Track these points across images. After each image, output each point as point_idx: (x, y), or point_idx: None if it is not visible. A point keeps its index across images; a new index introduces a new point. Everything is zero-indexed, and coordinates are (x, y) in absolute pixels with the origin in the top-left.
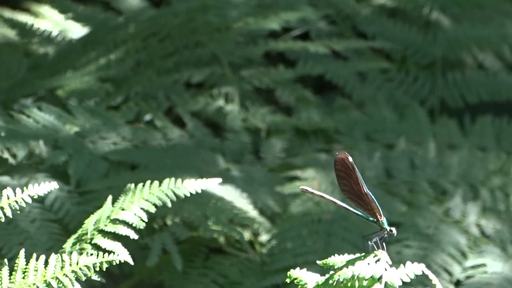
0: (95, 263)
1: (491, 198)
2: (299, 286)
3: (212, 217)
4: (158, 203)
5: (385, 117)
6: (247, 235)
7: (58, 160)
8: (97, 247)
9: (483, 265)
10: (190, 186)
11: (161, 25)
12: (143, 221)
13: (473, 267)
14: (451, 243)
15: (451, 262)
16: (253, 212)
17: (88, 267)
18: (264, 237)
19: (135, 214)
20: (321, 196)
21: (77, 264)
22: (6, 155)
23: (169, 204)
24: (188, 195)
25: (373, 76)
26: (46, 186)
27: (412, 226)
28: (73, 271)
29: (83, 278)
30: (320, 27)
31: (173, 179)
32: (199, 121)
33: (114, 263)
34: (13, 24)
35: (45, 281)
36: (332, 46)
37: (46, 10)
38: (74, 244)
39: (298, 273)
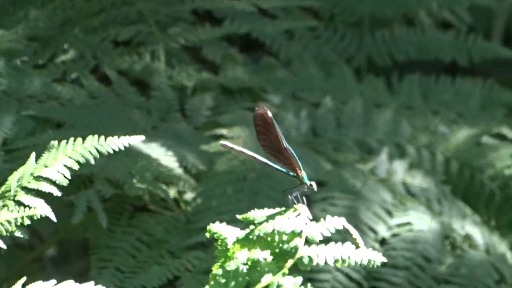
0: (16, 218)
1: (418, 157)
2: (219, 240)
3: (137, 175)
4: (82, 160)
5: (312, 75)
6: (172, 193)
7: None
8: (20, 204)
9: (409, 223)
10: (113, 143)
11: None
12: (66, 178)
13: (399, 225)
14: (377, 202)
15: (377, 220)
16: (178, 170)
17: (9, 222)
18: (189, 195)
19: (58, 171)
20: (241, 152)
21: None
22: None
23: (92, 162)
24: (112, 152)
25: (300, 34)
26: None
27: (337, 184)
28: None
29: (5, 233)
30: None
31: (96, 136)
32: (125, 80)
33: (36, 218)
34: None
35: None
36: (259, 4)
37: None
38: None
39: (217, 228)
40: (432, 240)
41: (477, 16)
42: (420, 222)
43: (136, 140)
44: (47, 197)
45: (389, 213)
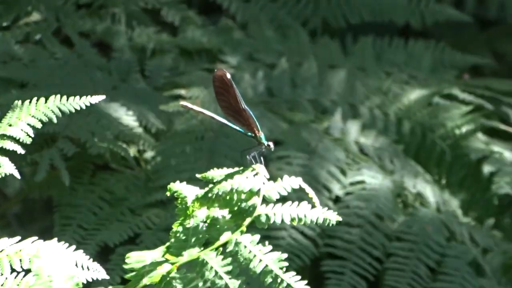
0: None
1: (370, 117)
2: (179, 199)
3: (98, 133)
4: (45, 119)
5: (268, 37)
6: (132, 151)
7: None
8: None
9: (362, 181)
10: (76, 103)
11: None
12: (30, 136)
13: (352, 183)
14: (331, 160)
15: (331, 178)
16: (138, 129)
17: None
18: (149, 154)
19: (22, 130)
20: (200, 112)
21: None
22: None
23: (55, 121)
24: (74, 111)
25: None
26: None
27: (293, 144)
28: None
29: None
30: None
31: (58, 96)
32: (86, 41)
33: (0, 176)
34: None
35: None
36: None
37: None
38: None
39: (178, 186)
40: (384, 198)
41: None
42: (373, 180)
43: (97, 100)
44: (11, 155)
45: (343, 172)
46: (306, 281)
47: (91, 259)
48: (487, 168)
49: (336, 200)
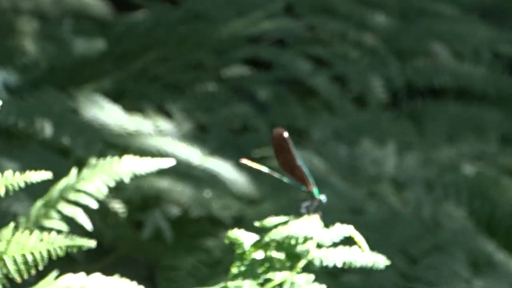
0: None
1: (442, 192)
2: (236, 245)
3: (199, 197)
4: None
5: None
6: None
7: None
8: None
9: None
10: (144, 165)
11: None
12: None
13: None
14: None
15: None
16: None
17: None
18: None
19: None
20: (259, 169)
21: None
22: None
23: (126, 181)
24: (143, 173)
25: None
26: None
27: (374, 213)
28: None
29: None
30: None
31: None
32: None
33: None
34: None
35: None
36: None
37: None
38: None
39: (235, 234)
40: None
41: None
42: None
43: (169, 164)
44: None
45: None
46: None
47: None
48: None
49: None
